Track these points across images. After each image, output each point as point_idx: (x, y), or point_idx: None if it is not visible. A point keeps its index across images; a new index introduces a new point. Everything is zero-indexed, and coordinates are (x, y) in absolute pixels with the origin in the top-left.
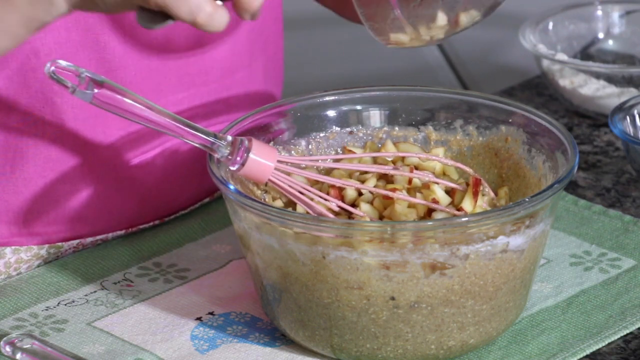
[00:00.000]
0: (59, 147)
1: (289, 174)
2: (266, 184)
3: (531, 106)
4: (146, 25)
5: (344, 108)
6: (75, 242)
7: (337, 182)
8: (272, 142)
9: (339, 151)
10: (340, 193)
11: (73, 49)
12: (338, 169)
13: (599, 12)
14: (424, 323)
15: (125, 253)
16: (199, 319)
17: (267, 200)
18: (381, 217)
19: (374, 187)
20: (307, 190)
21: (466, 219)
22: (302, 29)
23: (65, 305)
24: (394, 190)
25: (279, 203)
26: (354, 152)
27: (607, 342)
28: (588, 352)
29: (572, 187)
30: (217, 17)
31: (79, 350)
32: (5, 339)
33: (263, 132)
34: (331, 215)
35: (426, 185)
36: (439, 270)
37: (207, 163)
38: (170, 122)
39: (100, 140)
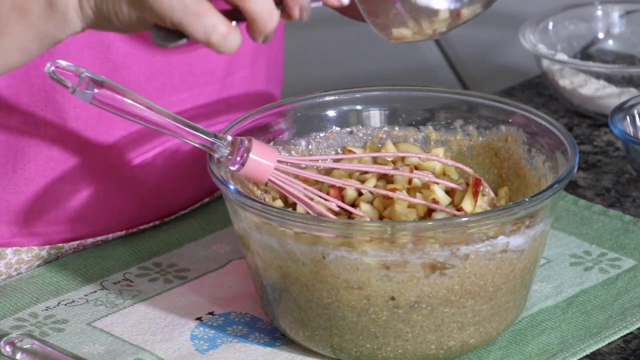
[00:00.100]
0: (61, 147)
1: (288, 174)
2: (266, 184)
3: (531, 106)
4: (160, 43)
5: (344, 108)
6: (75, 243)
7: (337, 182)
8: (272, 142)
9: (339, 151)
10: (340, 193)
11: (78, 49)
12: (338, 169)
13: (599, 12)
14: (424, 323)
15: (125, 253)
16: (199, 319)
17: (267, 200)
18: (381, 217)
19: (374, 187)
20: (307, 190)
21: (466, 219)
22: (302, 29)
23: (65, 305)
24: (394, 190)
25: (279, 203)
26: (354, 152)
27: (607, 342)
28: (588, 352)
29: (572, 187)
30: (230, 38)
31: (79, 350)
32: (5, 339)
33: (263, 132)
34: (331, 216)
35: (426, 185)
36: (439, 270)
37: (207, 163)
38: (170, 122)
39: (101, 140)
